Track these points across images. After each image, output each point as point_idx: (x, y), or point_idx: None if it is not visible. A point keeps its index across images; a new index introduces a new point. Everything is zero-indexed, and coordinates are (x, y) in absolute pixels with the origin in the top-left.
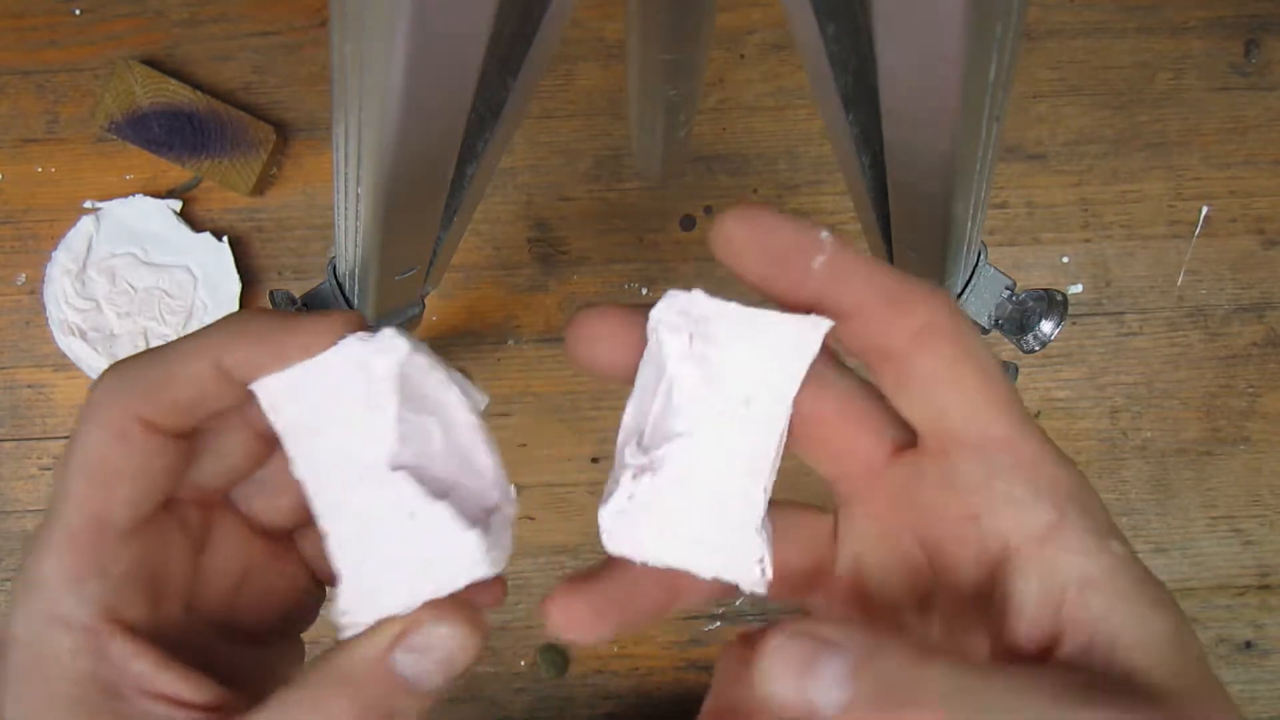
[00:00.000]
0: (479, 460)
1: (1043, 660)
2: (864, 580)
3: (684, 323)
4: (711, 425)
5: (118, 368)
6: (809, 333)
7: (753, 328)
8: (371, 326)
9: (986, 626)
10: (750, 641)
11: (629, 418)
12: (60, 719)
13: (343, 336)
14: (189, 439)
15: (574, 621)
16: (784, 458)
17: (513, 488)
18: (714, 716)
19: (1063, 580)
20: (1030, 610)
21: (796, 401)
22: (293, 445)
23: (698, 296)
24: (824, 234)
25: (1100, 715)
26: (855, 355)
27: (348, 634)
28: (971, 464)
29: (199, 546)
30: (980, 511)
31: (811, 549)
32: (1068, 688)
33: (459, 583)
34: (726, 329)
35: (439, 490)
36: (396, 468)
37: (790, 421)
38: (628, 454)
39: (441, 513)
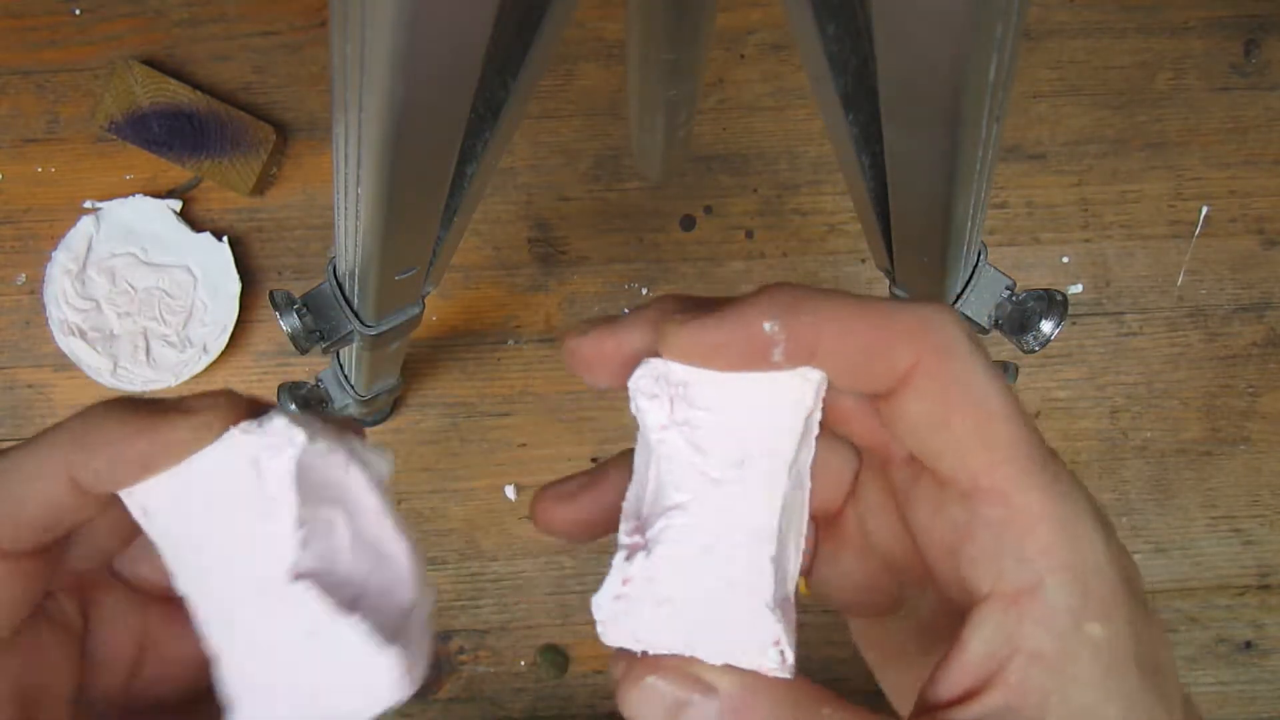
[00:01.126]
0: (389, 548)
1: (961, 702)
2: (869, 542)
3: (661, 389)
4: (705, 493)
5: None
6: (799, 387)
7: (736, 388)
8: (258, 411)
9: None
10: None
11: (627, 502)
12: None
13: (221, 431)
14: (49, 551)
15: (559, 523)
16: None
17: (429, 587)
18: None
19: (1015, 646)
20: (970, 660)
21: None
22: (173, 557)
23: (672, 363)
24: (768, 326)
25: None
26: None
27: None
28: (959, 508)
29: (78, 635)
30: (959, 555)
31: (830, 489)
32: None
33: (375, 710)
34: (708, 392)
35: (348, 597)
36: (298, 577)
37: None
38: (621, 534)
39: (351, 631)
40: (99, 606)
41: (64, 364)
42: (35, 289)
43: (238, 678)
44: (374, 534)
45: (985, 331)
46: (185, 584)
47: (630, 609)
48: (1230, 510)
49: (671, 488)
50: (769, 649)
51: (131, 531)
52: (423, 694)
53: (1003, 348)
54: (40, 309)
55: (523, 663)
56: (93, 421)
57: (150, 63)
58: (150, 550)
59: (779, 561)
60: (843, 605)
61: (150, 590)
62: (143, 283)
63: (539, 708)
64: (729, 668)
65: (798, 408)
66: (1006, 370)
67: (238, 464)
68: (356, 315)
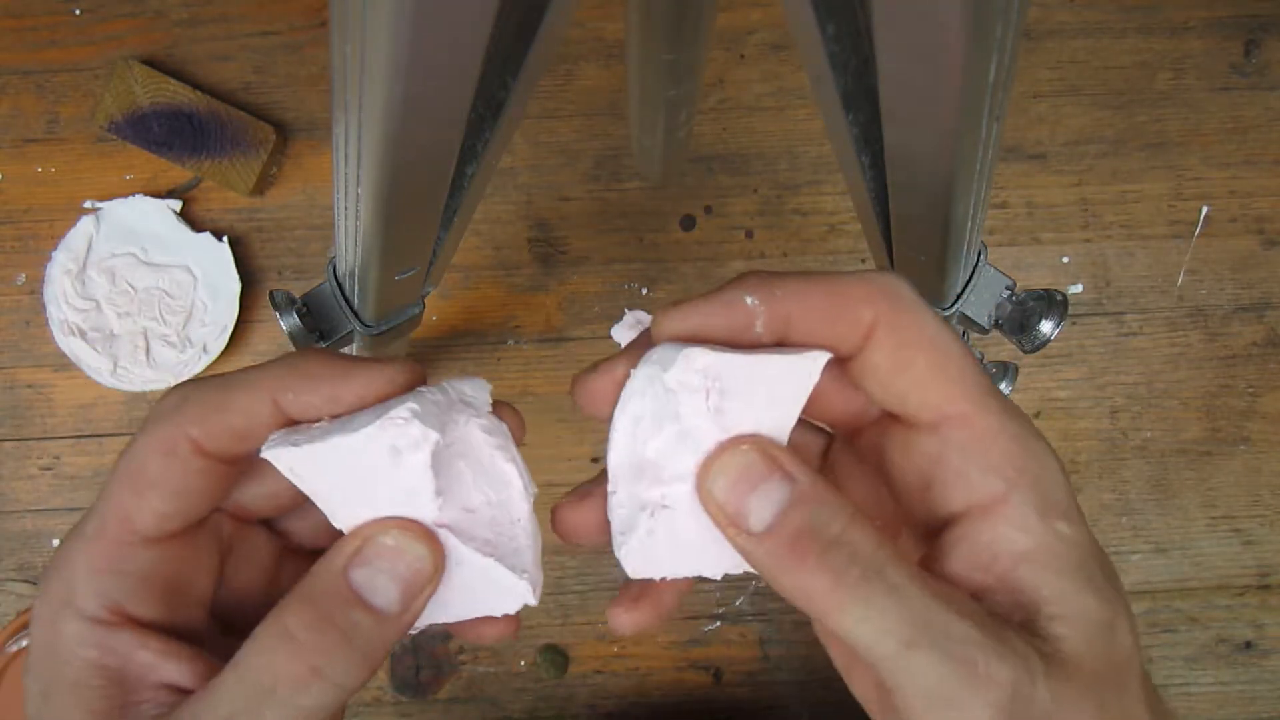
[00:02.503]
0: (502, 472)
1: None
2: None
3: (700, 381)
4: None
5: (181, 388)
6: (808, 367)
7: (760, 371)
8: (422, 386)
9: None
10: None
11: (623, 449)
12: (63, 700)
13: (405, 389)
14: (235, 465)
15: (581, 528)
16: None
17: (533, 491)
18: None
19: (996, 552)
20: (961, 565)
21: None
22: (325, 503)
23: (709, 354)
24: (749, 300)
25: (981, 639)
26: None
27: (414, 630)
28: (927, 439)
29: (225, 554)
30: (932, 482)
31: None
32: (978, 614)
33: (510, 610)
34: (737, 379)
35: (482, 538)
36: (439, 526)
37: None
38: (641, 489)
39: (492, 567)
40: (247, 541)
41: (64, 364)
42: (35, 289)
43: None
44: (488, 464)
45: (985, 331)
46: (339, 522)
47: (651, 550)
48: (1230, 510)
49: (693, 455)
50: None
51: (297, 499)
52: (423, 694)
53: (1003, 348)
54: (40, 309)
55: (523, 663)
56: (302, 358)
57: (150, 63)
58: (304, 512)
59: None
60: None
61: (293, 545)
62: (143, 283)
63: (539, 708)
64: (806, 466)
65: (805, 384)
66: (1006, 370)
67: (378, 449)
68: (356, 315)
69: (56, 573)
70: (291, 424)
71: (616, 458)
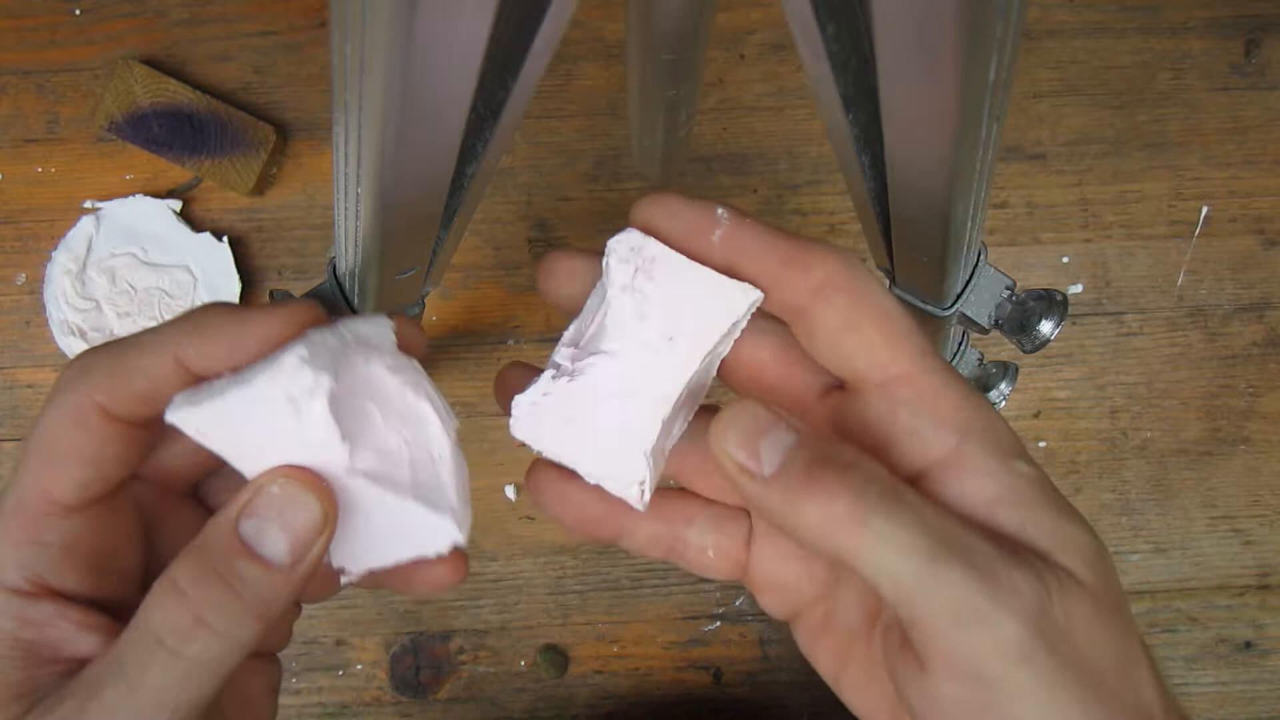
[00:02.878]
0: (416, 411)
1: None
2: None
3: (633, 257)
4: (632, 352)
5: (83, 355)
6: (738, 297)
7: (692, 279)
8: (323, 317)
9: None
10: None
11: (569, 332)
12: None
13: (300, 330)
14: (147, 428)
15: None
16: None
17: (454, 424)
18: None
19: (967, 501)
20: None
21: (737, 348)
22: (239, 463)
23: (649, 241)
24: (720, 211)
25: (999, 555)
26: (774, 314)
27: (345, 581)
28: (878, 400)
29: (153, 529)
30: (887, 443)
31: None
32: (991, 535)
33: (441, 549)
34: (668, 273)
35: (400, 479)
36: (353, 473)
37: (722, 370)
38: (556, 354)
39: (412, 508)
40: (176, 514)
41: (64, 364)
42: (35, 289)
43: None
44: (399, 403)
45: (985, 331)
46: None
47: (541, 417)
48: (1230, 510)
49: (610, 337)
50: (634, 485)
51: (215, 459)
52: (423, 694)
53: (1003, 348)
54: (40, 309)
55: (523, 663)
56: (199, 314)
57: (150, 63)
58: (228, 482)
59: (666, 425)
60: (785, 606)
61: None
62: (143, 283)
63: (539, 708)
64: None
65: (731, 311)
66: (1006, 370)
67: (274, 399)
68: (357, 315)
69: None
70: (197, 382)
71: (557, 347)
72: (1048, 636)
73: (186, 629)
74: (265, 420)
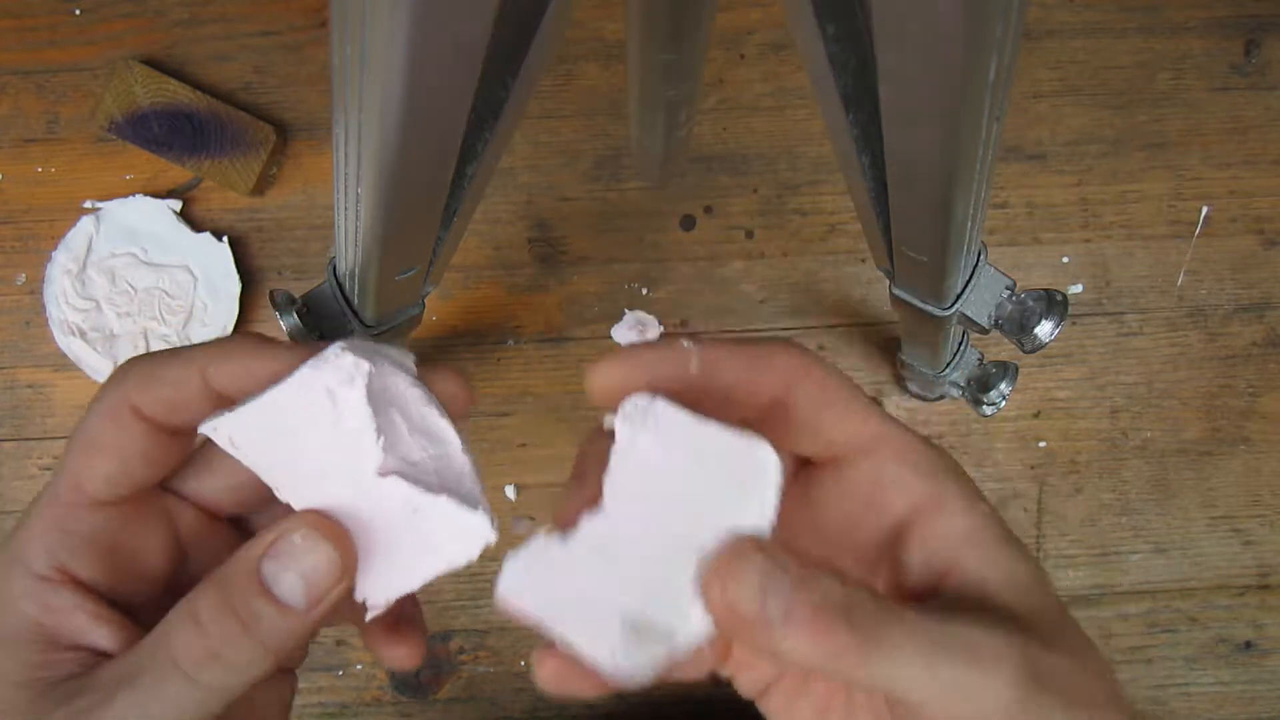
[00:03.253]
0: (436, 428)
1: (928, 598)
2: None
3: (637, 419)
4: (632, 517)
5: (125, 363)
6: (758, 452)
7: (698, 436)
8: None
9: (883, 578)
10: None
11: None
12: (2, 653)
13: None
14: (174, 437)
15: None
16: None
17: (470, 450)
18: None
19: (945, 540)
20: (920, 563)
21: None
22: (270, 475)
23: (661, 404)
24: (685, 343)
25: (973, 631)
26: (746, 418)
27: (370, 615)
28: (860, 464)
29: (189, 546)
30: (874, 496)
31: None
32: (952, 614)
33: (473, 554)
34: (671, 432)
35: (425, 474)
36: (386, 474)
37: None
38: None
39: (444, 505)
40: (214, 536)
41: (64, 364)
42: (35, 289)
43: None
44: (421, 420)
45: (985, 331)
46: (287, 495)
47: (530, 577)
48: (1230, 510)
49: (614, 493)
50: (615, 659)
51: (253, 499)
52: (423, 694)
53: (1003, 348)
54: (40, 309)
55: (523, 663)
56: (232, 339)
57: (150, 63)
58: (269, 512)
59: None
60: (765, 676)
61: (215, 513)
62: (143, 283)
63: (539, 708)
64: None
65: (742, 477)
66: (1006, 370)
67: (314, 395)
68: (357, 315)
69: (14, 535)
70: (227, 402)
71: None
72: (1034, 679)
73: (200, 660)
74: (300, 419)
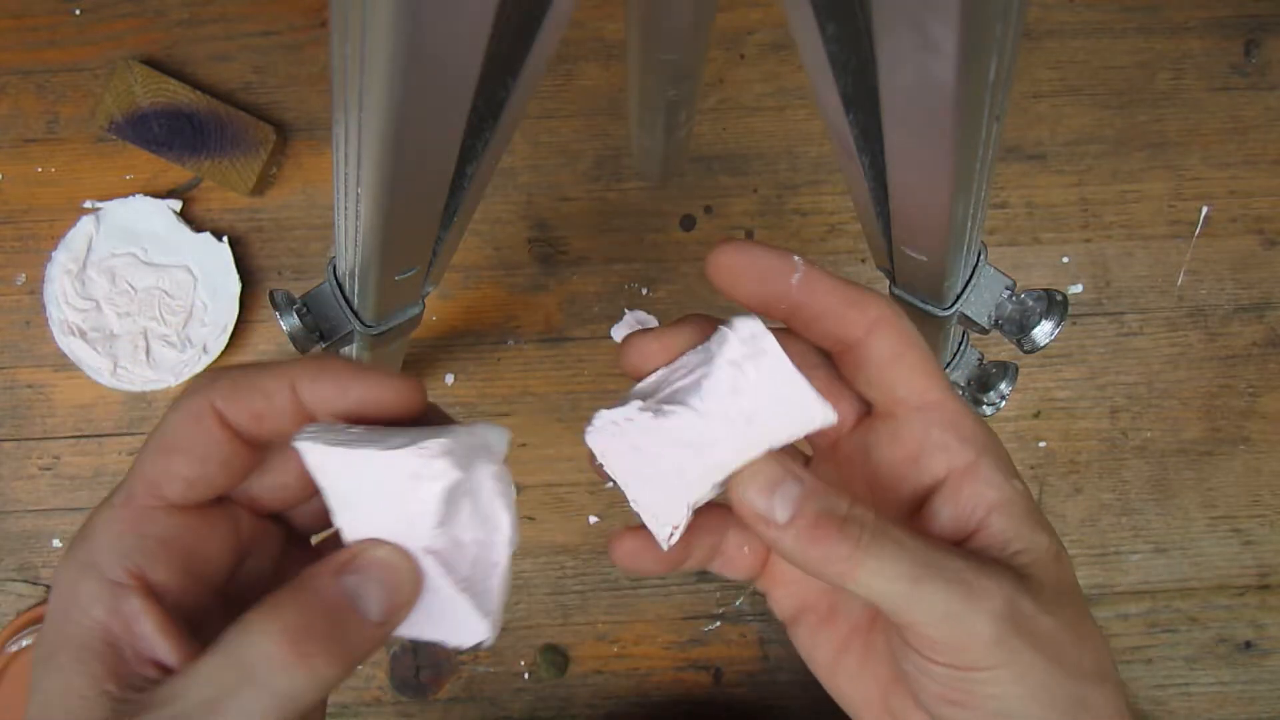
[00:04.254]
0: (496, 518)
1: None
2: None
3: (750, 341)
4: (714, 418)
5: (212, 371)
6: (817, 414)
7: (787, 381)
8: (433, 414)
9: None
10: None
11: (656, 375)
12: (66, 659)
13: (402, 399)
14: (252, 448)
15: (634, 556)
16: None
17: (516, 540)
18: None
19: (975, 504)
20: (948, 519)
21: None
22: (334, 501)
23: (768, 335)
24: (796, 259)
25: (968, 566)
26: (826, 347)
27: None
28: (913, 421)
29: (245, 548)
30: (919, 454)
31: None
32: (963, 553)
33: (466, 645)
34: (771, 368)
35: (461, 573)
36: (428, 552)
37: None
38: (647, 383)
39: (462, 602)
40: (261, 533)
41: (64, 364)
42: (35, 289)
43: None
44: (487, 508)
45: (985, 331)
46: (339, 520)
47: (615, 437)
48: (1230, 510)
49: (701, 397)
50: (668, 527)
51: (305, 494)
52: (423, 693)
53: (1003, 348)
54: (40, 309)
55: (523, 663)
56: (325, 359)
57: (150, 63)
58: (304, 506)
59: (714, 488)
60: (794, 600)
61: (297, 530)
62: (143, 283)
63: (539, 708)
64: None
65: (807, 423)
66: (1006, 370)
67: (403, 470)
68: (356, 315)
69: (82, 539)
70: (308, 418)
71: (641, 383)
72: (1015, 623)
73: (286, 661)
74: (381, 481)
